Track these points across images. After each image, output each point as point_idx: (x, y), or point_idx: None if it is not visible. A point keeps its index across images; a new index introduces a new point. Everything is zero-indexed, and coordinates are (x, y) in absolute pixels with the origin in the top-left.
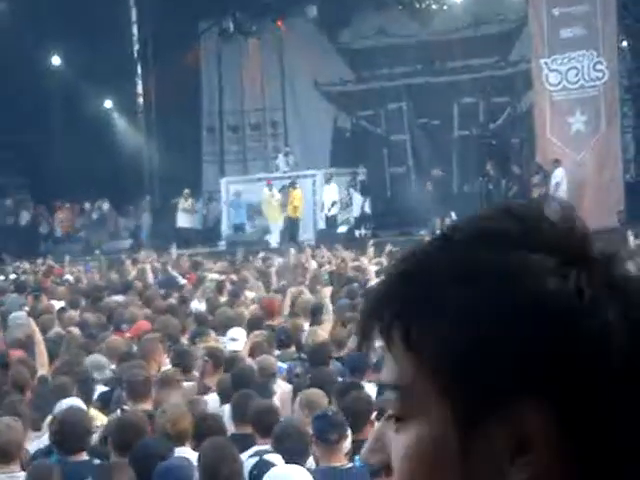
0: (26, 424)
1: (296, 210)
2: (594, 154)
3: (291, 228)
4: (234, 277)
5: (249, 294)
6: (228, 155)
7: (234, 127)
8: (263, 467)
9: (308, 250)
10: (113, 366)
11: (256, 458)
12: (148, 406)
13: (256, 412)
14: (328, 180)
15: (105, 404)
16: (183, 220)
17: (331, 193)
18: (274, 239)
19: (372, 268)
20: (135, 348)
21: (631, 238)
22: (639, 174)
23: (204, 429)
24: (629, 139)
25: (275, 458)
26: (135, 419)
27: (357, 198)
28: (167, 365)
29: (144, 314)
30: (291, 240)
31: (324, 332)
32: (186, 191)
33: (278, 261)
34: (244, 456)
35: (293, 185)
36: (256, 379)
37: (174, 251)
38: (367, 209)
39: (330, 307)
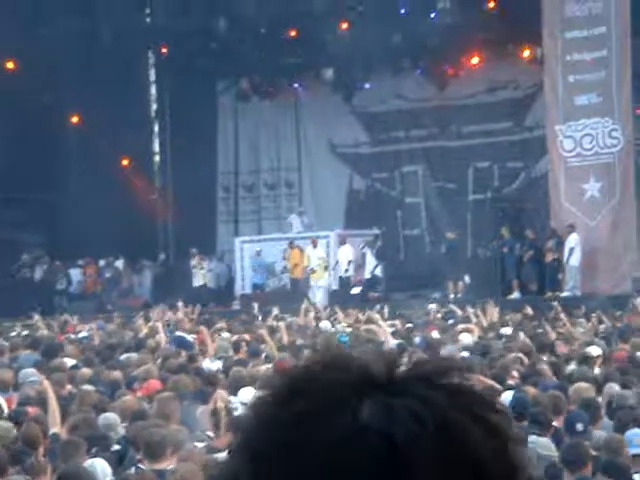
0: None
1: (297, 270)
2: (608, 220)
3: (295, 287)
4: (247, 336)
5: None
6: (243, 215)
7: (249, 187)
8: None
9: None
10: (125, 425)
11: None
12: (163, 465)
13: None
14: (343, 241)
15: (119, 463)
16: (196, 279)
17: (346, 253)
18: (318, 298)
19: (387, 330)
20: (147, 407)
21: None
22: None
23: None
24: None
25: None
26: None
27: (370, 260)
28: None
29: (156, 373)
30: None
31: None
32: (193, 250)
33: (292, 320)
34: None
35: (291, 245)
36: None
37: (180, 305)
38: (379, 272)
39: None
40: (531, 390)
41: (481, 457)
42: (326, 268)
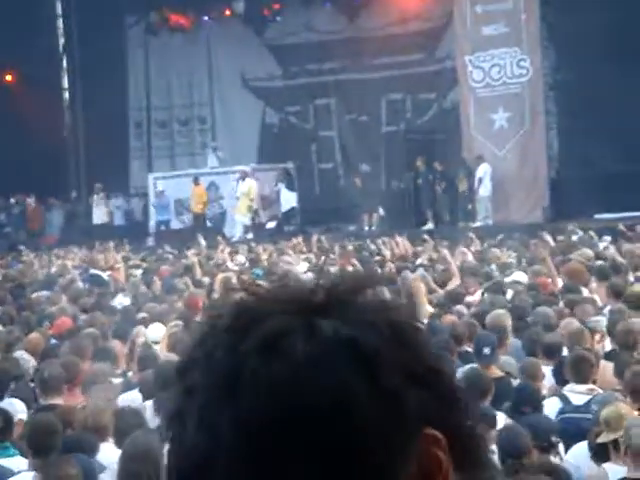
0: None
1: (200, 206)
2: (517, 150)
3: (199, 223)
4: (163, 272)
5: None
6: (156, 150)
7: (162, 122)
8: None
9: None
10: (35, 363)
11: None
12: (60, 401)
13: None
14: (243, 177)
15: (34, 400)
16: (98, 216)
17: (249, 189)
18: (238, 233)
19: (303, 263)
20: (57, 345)
21: (548, 237)
22: (563, 171)
23: (124, 424)
24: (553, 136)
25: None
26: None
27: (285, 194)
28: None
29: (67, 311)
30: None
31: None
32: (97, 185)
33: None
34: None
35: (196, 181)
36: None
37: (97, 246)
38: (295, 204)
39: None
40: (447, 318)
41: (431, 360)
42: (250, 207)
